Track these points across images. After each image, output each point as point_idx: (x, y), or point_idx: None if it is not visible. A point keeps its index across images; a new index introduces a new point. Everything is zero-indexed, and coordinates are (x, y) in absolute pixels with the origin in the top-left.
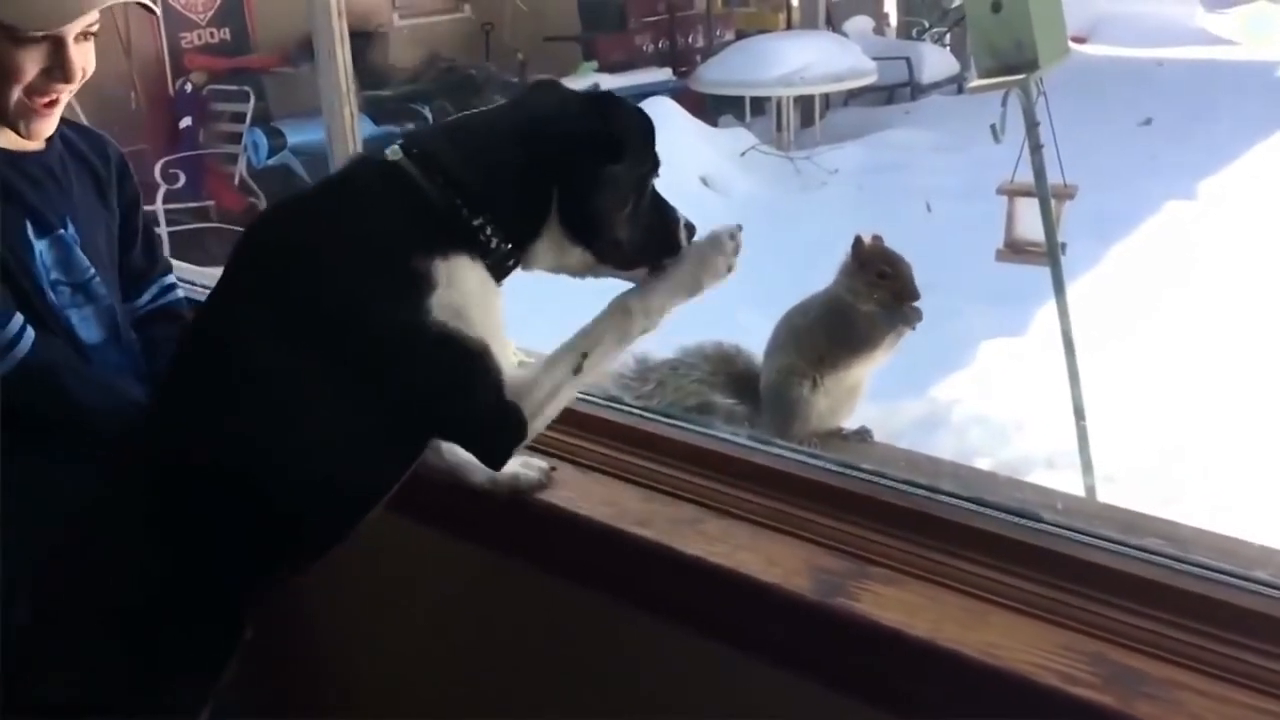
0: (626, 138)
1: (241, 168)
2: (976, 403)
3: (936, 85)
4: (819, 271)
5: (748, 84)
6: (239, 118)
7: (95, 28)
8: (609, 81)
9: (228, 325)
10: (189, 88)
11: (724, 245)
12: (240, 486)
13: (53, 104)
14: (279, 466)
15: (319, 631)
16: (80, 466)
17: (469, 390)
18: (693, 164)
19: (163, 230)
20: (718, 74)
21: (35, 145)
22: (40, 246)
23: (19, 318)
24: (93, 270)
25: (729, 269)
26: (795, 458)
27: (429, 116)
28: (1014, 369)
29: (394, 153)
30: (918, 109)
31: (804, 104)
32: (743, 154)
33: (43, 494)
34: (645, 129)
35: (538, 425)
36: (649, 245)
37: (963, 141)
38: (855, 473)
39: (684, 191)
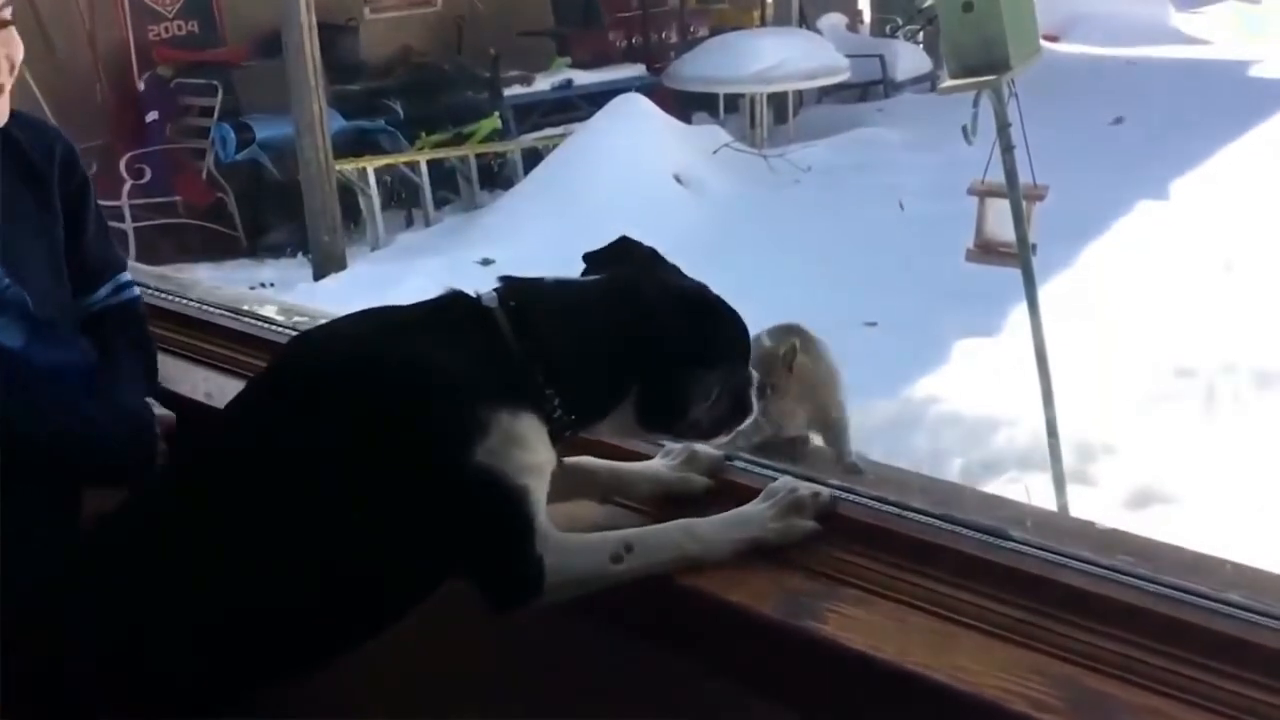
0: (723, 350)
1: (209, 163)
2: (950, 403)
3: (910, 83)
4: (790, 270)
5: (721, 80)
6: (207, 112)
7: (8, 12)
8: (582, 77)
9: (275, 431)
10: (155, 81)
11: (805, 507)
12: (247, 600)
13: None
14: (292, 584)
15: None
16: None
17: (497, 528)
18: (665, 161)
19: (128, 226)
20: (691, 70)
21: None
22: None
23: None
24: (7, 280)
25: (804, 532)
26: (759, 472)
27: (399, 111)
28: (987, 369)
29: (490, 299)
30: (891, 107)
31: (777, 101)
32: (715, 151)
33: None
34: (743, 339)
35: (557, 590)
36: (725, 420)
37: (936, 140)
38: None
39: (657, 190)
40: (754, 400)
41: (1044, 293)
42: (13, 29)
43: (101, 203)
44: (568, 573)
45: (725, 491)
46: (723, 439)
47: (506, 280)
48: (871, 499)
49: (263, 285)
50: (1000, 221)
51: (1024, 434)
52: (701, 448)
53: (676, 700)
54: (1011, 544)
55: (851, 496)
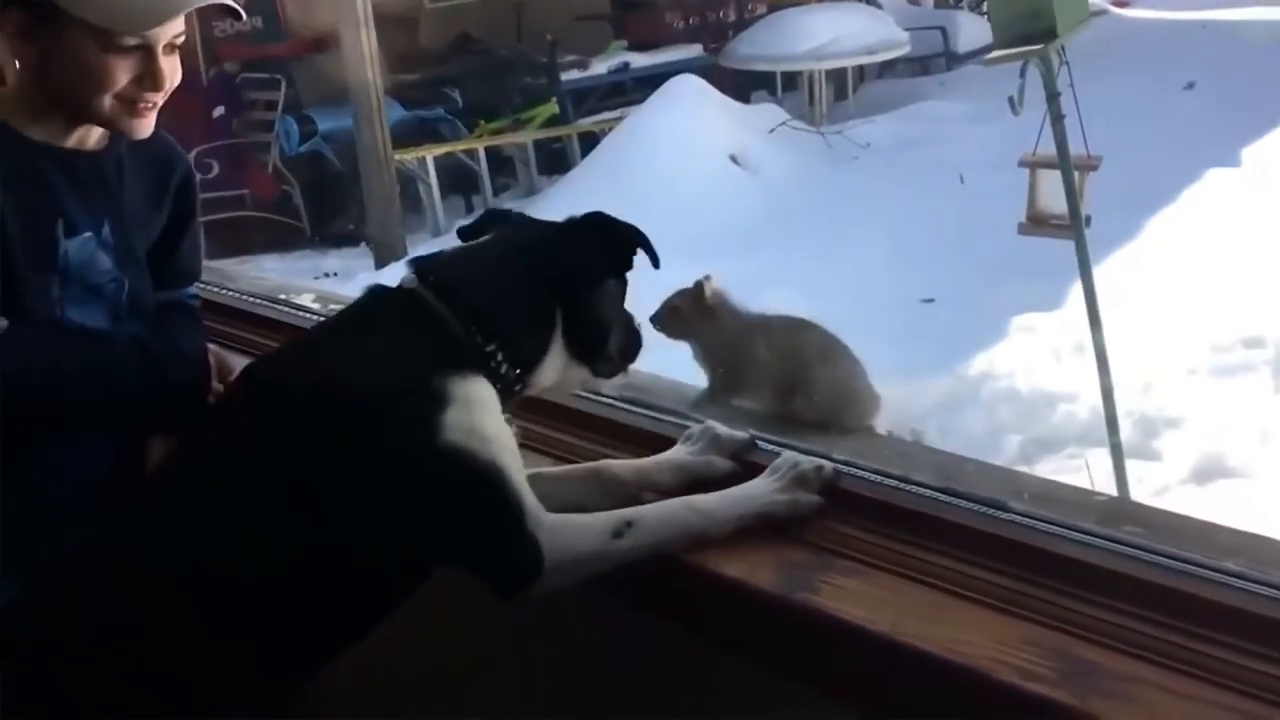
0: (620, 258)
1: (275, 156)
2: (1007, 379)
3: (973, 55)
4: (847, 248)
5: (779, 59)
6: (271, 106)
7: (181, 39)
8: (638, 59)
9: (237, 448)
10: (221, 77)
11: (809, 480)
12: (235, 605)
13: (148, 108)
14: (280, 586)
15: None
16: (79, 450)
17: (486, 510)
18: (722, 142)
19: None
20: (748, 49)
21: (94, 145)
22: (69, 246)
23: None
24: (115, 274)
25: (809, 507)
26: (764, 447)
27: (458, 98)
28: (1045, 344)
29: (409, 281)
30: (953, 80)
31: (836, 77)
32: (772, 130)
33: (45, 479)
34: (643, 240)
35: (556, 574)
36: (627, 349)
37: (998, 112)
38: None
39: (713, 171)
40: (640, 331)
41: (1104, 265)
42: (177, 55)
43: None
44: (567, 552)
45: (753, 474)
46: (624, 373)
47: (414, 261)
48: (873, 472)
49: (326, 275)
50: (1053, 193)
51: (1083, 409)
52: (723, 430)
53: (674, 672)
54: (1009, 515)
55: (854, 470)
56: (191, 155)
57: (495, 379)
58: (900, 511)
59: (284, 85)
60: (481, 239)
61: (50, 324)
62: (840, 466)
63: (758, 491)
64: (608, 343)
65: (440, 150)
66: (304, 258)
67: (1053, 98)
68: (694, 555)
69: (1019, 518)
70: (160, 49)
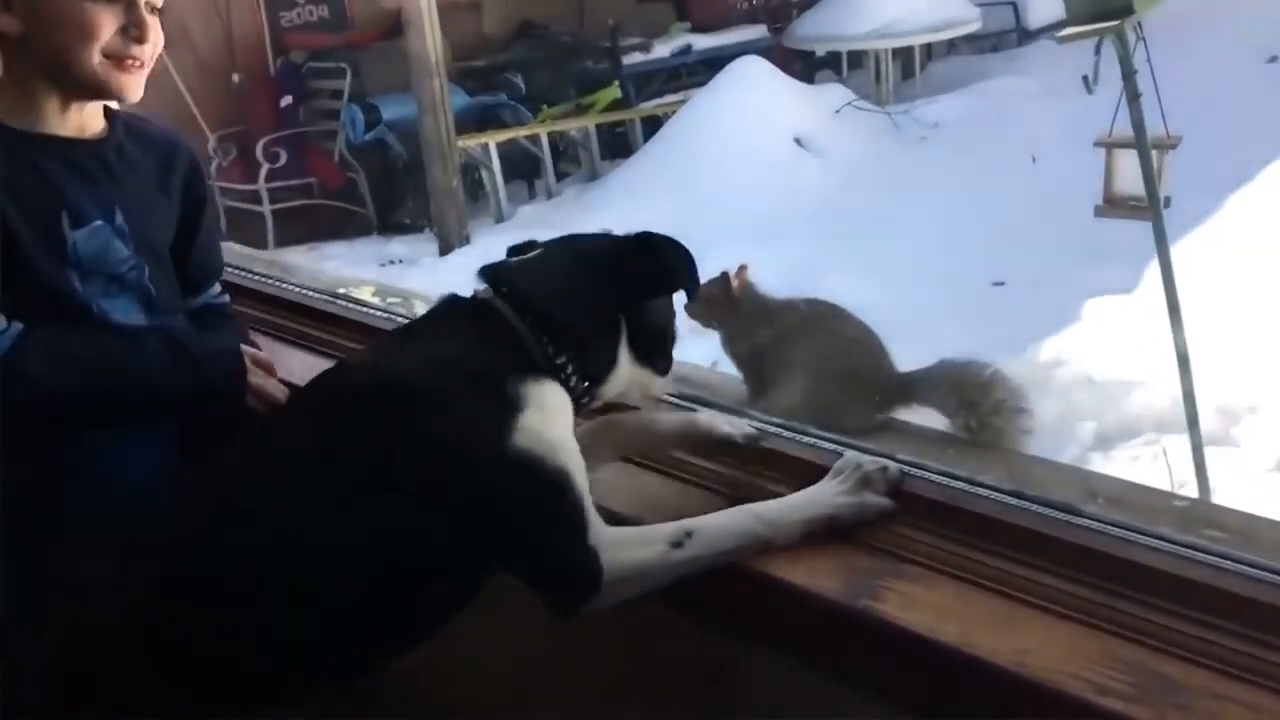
0: (680, 269)
1: (340, 144)
2: (1080, 364)
3: (1045, 30)
4: (914, 230)
5: (844, 38)
6: (337, 94)
7: (161, 1)
8: (701, 41)
9: (314, 440)
10: (287, 67)
11: (875, 481)
12: (300, 601)
13: (136, 65)
14: (344, 583)
15: None
16: (126, 448)
17: (550, 518)
18: (785, 124)
19: (265, 208)
20: (811, 29)
21: (92, 133)
22: (76, 237)
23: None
24: (133, 260)
25: (877, 509)
26: (829, 447)
27: (521, 84)
28: (1120, 328)
29: (484, 291)
30: (1024, 56)
31: (903, 56)
32: (838, 111)
33: (92, 480)
34: (690, 257)
35: (616, 588)
36: (667, 351)
37: (1071, 89)
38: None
39: (777, 154)
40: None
41: (1183, 246)
42: (159, 18)
43: (240, 187)
44: (627, 564)
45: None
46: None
47: (486, 270)
48: (940, 474)
49: (391, 262)
50: (1130, 174)
51: (1160, 396)
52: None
53: (733, 680)
54: (1082, 520)
55: (919, 472)
56: (259, 145)
57: (566, 389)
58: (967, 515)
59: (349, 74)
60: (539, 251)
61: (79, 324)
62: (905, 467)
63: (823, 496)
64: (669, 345)
65: (503, 136)
66: (369, 244)
67: (1129, 75)
68: (754, 560)
69: (1093, 523)
70: (142, 1)
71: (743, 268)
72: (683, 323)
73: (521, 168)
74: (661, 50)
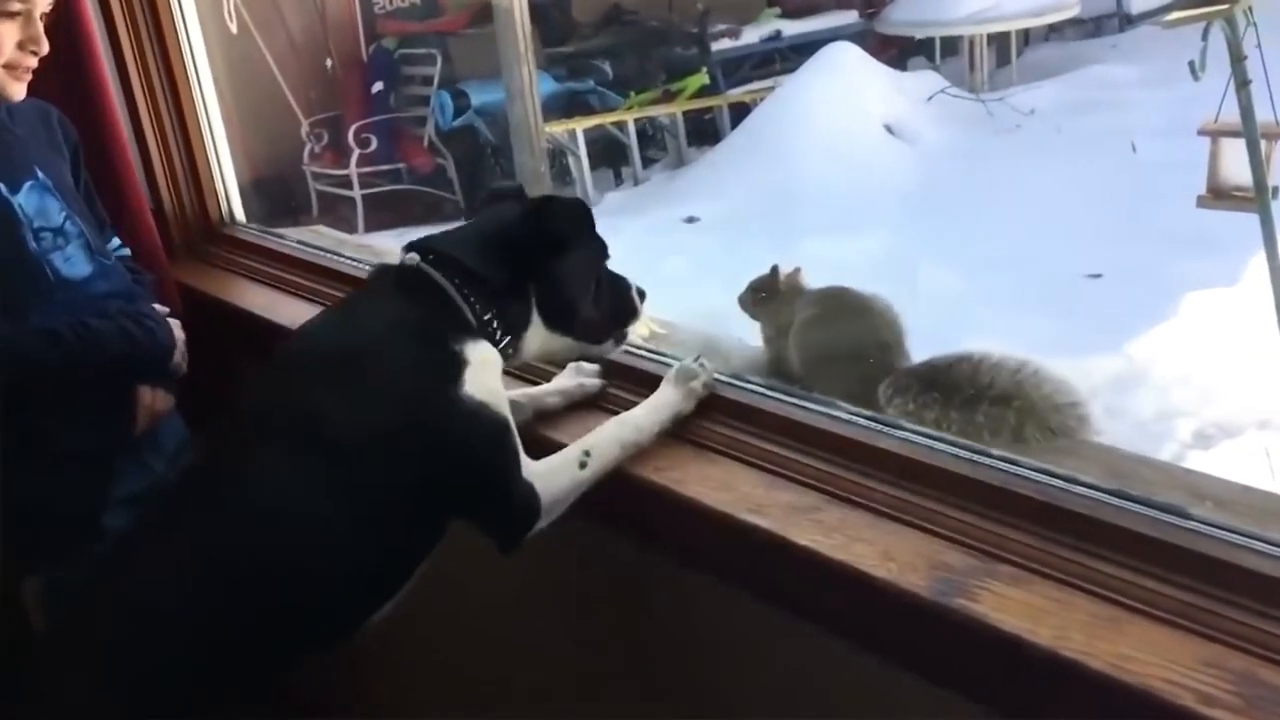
0: (564, 234)
1: (430, 129)
2: (1179, 359)
3: (1148, 15)
4: (1006, 220)
5: (938, 23)
6: (427, 80)
7: (49, 7)
8: (791, 27)
9: (271, 414)
10: (379, 53)
11: (695, 373)
12: (267, 572)
13: (27, 73)
14: (310, 553)
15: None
16: (71, 414)
17: (499, 464)
18: (876, 111)
19: (356, 193)
20: (904, 14)
21: None
22: (18, 200)
23: None
24: (65, 210)
25: (705, 388)
26: (923, 442)
27: (608, 71)
28: (1221, 322)
29: (411, 259)
30: (1126, 42)
31: (999, 42)
32: (930, 98)
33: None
34: (580, 220)
35: (549, 512)
36: (613, 317)
37: (1174, 76)
38: (987, 460)
39: (867, 141)
40: (636, 301)
41: None
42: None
43: (331, 172)
44: (554, 491)
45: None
46: (614, 342)
47: (414, 242)
48: (1036, 470)
49: None
50: (1236, 164)
51: (1263, 393)
52: (586, 365)
53: (824, 679)
54: (1189, 523)
55: (1014, 468)
56: (351, 130)
57: (493, 344)
58: (1066, 514)
59: (439, 60)
60: (461, 223)
61: (39, 288)
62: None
63: (665, 399)
64: (577, 315)
65: (590, 122)
66: None
67: (1238, 61)
68: (843, 554)
69: (1199, 525)
70: (38, 15)
71: (796, 270)
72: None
73: (608, 154)
74: (751, 36)
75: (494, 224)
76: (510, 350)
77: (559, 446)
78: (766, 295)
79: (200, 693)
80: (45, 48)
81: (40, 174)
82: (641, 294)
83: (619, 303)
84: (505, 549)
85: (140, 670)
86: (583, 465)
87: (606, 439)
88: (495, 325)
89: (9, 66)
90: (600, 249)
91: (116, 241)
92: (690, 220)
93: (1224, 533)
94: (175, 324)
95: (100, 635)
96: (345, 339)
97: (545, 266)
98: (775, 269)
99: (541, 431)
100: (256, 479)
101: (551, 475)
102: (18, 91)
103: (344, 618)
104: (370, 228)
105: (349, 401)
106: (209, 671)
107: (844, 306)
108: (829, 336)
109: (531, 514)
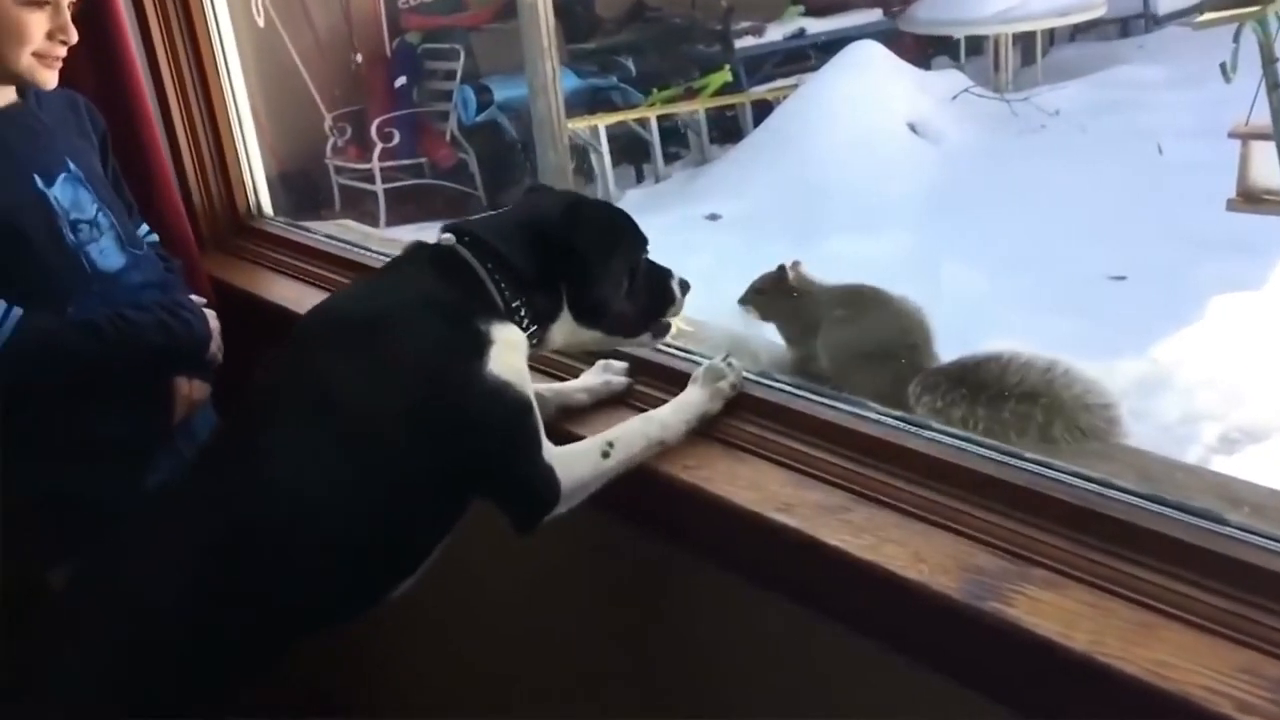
0: (596, 242)
1: (452, 124)
2: (1205, 363)
3: (1176, 16)
4: (1030, 221)
5: (963, 22)
6: (450, 75)
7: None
8: (815, 25)
9: (300, 384)
10: (403, 48)
11: (723, 373)
12: (287, 541)
13: (58, 61)
14: (329, 520)
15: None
16: (107, 405)
17: (520, 442)
18: (899, 110)
19: (378, 188)
20: (929, 12)
21: (10, 102)
22: (53, 193)
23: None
24: (97, 203)
25: (732, 388)
26: (953, 443)
27: (631, 67)
28: (1248, 326)
29: (447, 240)
30: (1153, 43)
31: (1024, 42)
32: (954, 98)
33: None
34: (620, 225)
35: (569, 496)
36: (649, 309)
37: (1203, 77)
38: (1019, 463)
39: (890, 140)
40: (676, 292)
41: None
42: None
43: (354, 166)
44: (575, 477)
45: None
46: (652, 335)
47: (450, 224)
48: (1069, 474)
49: None
50: (1267, 166)
51: None
52: (615, 363)
53: (850, 678)
54: (1226, 529)
55: (1047, 471)
56: (374, 125)
57: (521, 329)
58: (1101, 518)
59: (462, 55)
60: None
61: (77, 280)
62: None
63: (692, 399)
64: (607, 313)
65: (612, 119)
66: None
67: (1270, 63)
68: (873, 555)
69: (1237, 532)
70: (65, 4)
71: (796, 263)
72: None
73: (630, 151)
74: (774, 34)
75: (531, 216)
76: (536, 339)
77: None
78: (776, 295)
79: (214, 670)
80: (74, 36)
81: (72, 165)
82: (685, 286)
83: (657, 295)
84: (522, 529)
85: (153, 644)
86: (605, 455)
87: (630, 432)
88: (524, 313)
89: (39, 55)
90: (638, 243)
91: (145, 228)
92: (712, 218)
93: (1261, 539)
94: (211, 314)
95: (116, 606)
96: (374, 308)
97: (576, 270)
98: (782, 268)
99: (566, 427)
100: (281, 444)
101: (573, 460)
102: (49, 79)
103: (365, 588)
104: (392, 222)
105: (373, 370)
106: (224, 646)
107: (873, 307)
108: (859, 336)
109: (550, 495)
